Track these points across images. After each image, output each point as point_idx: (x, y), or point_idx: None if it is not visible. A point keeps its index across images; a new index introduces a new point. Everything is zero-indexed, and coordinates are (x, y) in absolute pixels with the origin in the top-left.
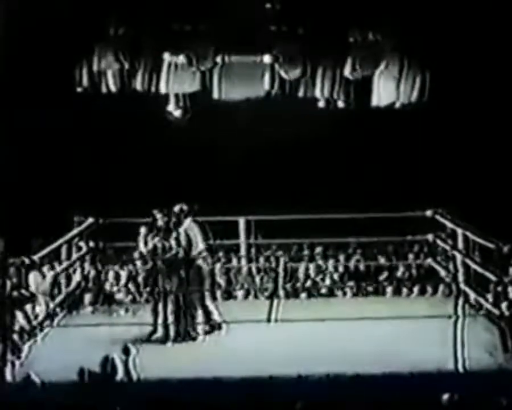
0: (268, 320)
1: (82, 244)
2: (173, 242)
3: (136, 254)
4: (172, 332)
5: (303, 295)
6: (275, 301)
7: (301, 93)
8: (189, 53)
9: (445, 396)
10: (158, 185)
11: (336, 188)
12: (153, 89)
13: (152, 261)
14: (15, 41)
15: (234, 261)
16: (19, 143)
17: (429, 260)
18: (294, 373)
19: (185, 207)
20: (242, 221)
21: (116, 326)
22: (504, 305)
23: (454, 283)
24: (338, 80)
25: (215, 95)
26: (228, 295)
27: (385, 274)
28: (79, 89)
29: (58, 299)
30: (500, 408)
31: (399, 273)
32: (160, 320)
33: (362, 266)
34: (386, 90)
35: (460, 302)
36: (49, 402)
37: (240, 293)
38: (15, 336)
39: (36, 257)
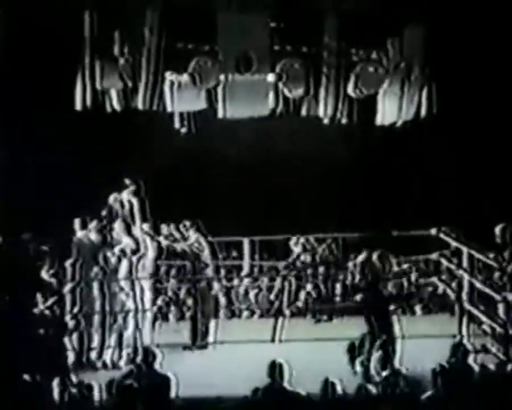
0: (273, 340)
1: None
2: None
3: None
4: None
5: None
6: (280, 320)
7: (304, 111)
8: (192, 72)
9: None
10: (162, 201)
11: (339, 205)
12: (156, 107)
13: None
14: (15, 57)
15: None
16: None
17: (434, 279)
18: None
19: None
20: (246, 241)
21: None
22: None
23: (458, 303)
24: (341, 98)
25: (220, 113)
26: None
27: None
28: (79, 108)
29: None
30: None
31: (404, 292)
32: None
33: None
34: (390, 108)
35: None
36: None
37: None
38: None
39: None
